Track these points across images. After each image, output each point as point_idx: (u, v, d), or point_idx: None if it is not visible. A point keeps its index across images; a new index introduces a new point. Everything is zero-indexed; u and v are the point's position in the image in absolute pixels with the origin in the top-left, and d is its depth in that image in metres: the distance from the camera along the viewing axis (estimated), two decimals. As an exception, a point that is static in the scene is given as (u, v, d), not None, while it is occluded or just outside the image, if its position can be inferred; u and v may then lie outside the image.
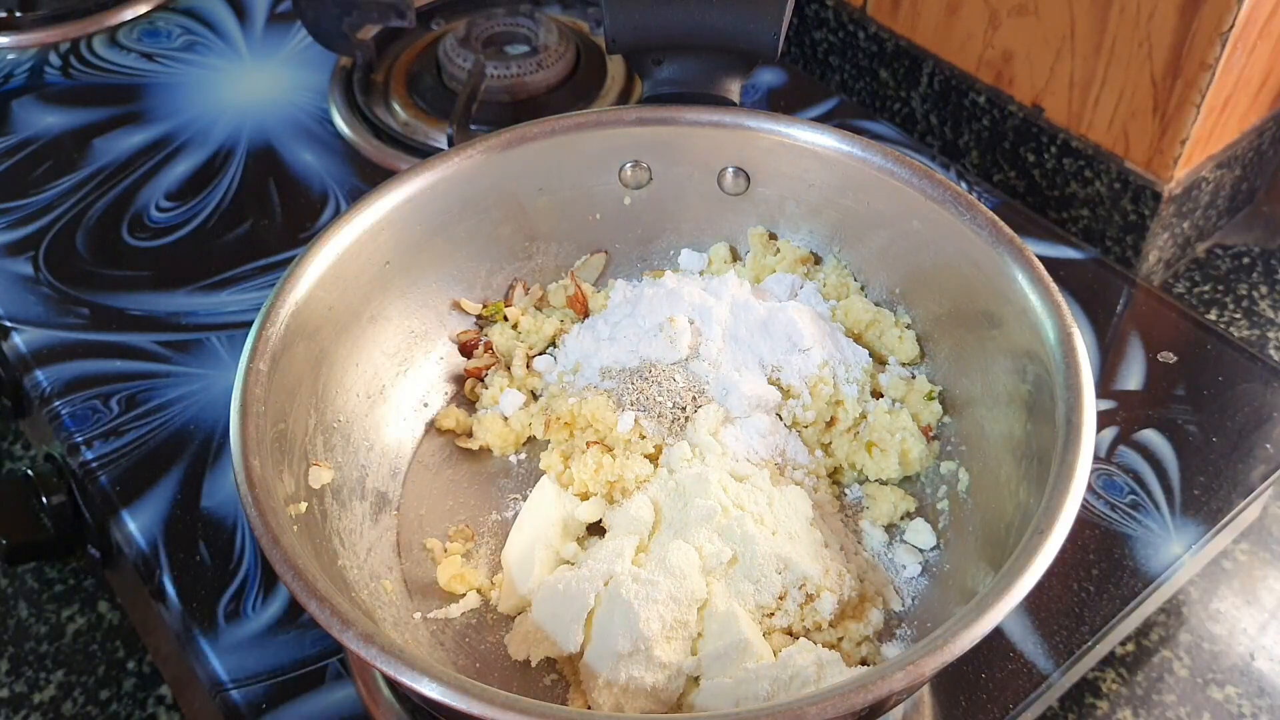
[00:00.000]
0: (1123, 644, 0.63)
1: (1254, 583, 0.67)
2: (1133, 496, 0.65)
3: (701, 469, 0.58)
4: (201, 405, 0.69)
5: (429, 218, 0.64)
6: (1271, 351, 0.82)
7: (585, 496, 0.60)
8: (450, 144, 0.80)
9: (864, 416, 0.62)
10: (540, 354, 0.68)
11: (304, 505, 0.53)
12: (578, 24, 0.97)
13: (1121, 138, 0.81)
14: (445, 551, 0.60)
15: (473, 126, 0.81)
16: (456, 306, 0.68)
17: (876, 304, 0.67)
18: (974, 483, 0.59)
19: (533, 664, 0.54)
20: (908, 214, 0.63)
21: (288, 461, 0.54)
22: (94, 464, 0.66)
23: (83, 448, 0.67)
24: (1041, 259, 0.57)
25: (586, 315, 0.69)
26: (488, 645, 0.56)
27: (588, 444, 0.61)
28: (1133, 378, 0.71)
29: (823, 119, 0.89)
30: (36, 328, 0.74)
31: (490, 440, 0.64)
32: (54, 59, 0.96)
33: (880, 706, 0.44)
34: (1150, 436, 0.68)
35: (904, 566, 0.59)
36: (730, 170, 0.68)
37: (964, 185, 0.83)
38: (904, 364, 0.65)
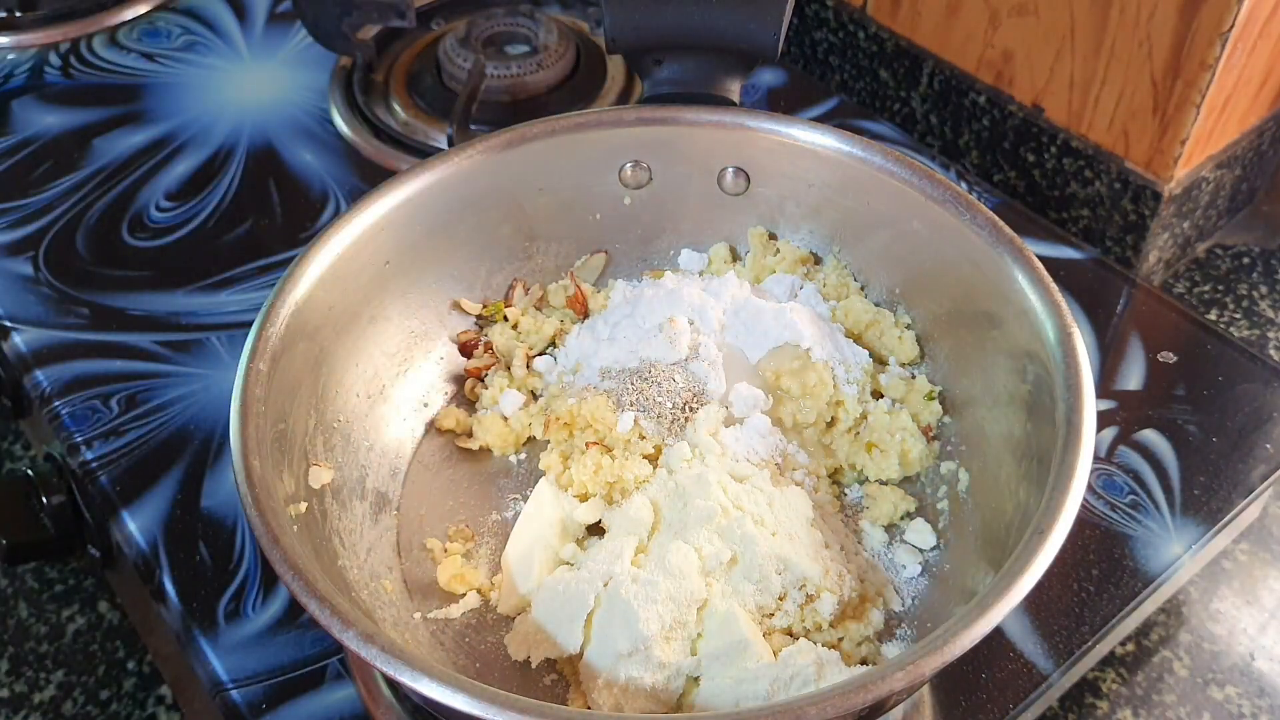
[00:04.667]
0: (1123, 644, 0.63)
1: (1254, 583, 0.67)
2: (1133, 496, 0.65)
3: (701, 469, 0.58)
4: (201, 405, 0.69)
5: (429, 218, 0.64)
6: (1271, 351, 0.82)
7: (584, 497, 0.60)
8: (450, 144, 0.80)
9: (864, 417, 0.62)
10: (540, 354, 0.68)
11: (304, 505, 0.53)
12: (578, 24, 0.97)
13: (1121, 138, 0.81)
14: (445, 551, 0.60)
15: (473, 126, 0.81)
16: (456, 306, 0.68)
17: (876, 304, 0.67)
18: (974, 483, 0.59)
19: (533, 664, 0.54)
20: (908, 214, 0.63)
21: (288, 461, 0.54)
22: (94, 464, 0.66)
23: (83, 448, 0.67)
24: (1041, 259, 0.57)
25: (586, 315, 0.69)
26: (488, 645, 0.56)
27: (587, 444, 0.61)
28: (1133, 378, 0.71)
29: (823, 119, 0.89)
30: (36, 328, 0.74)
31: (490, 440, 0.64)
32: (54, 59, 0.96)
33: (880, 706, 0.44)
34: (1150, 436, 0.68)
35: (904, 566, 0.59)
36: (730, 170, 0.68)
37: (964, 185, 0.83)
38: (904, 364, 0.65)
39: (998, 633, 0.58)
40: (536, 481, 0.62)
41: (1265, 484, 0.66)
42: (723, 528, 0.55)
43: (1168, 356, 0.72)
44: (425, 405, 0.66)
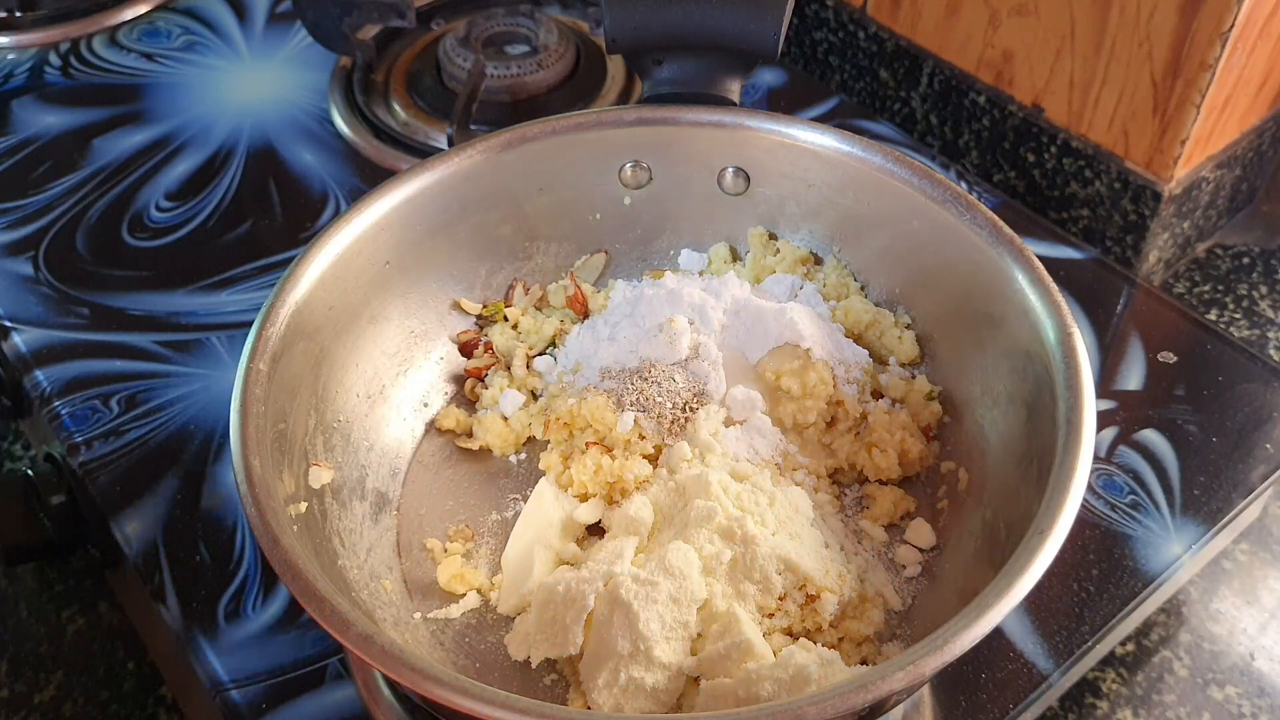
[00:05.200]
0: (1123, 644, 0.63)
1: (1254, 583, 0.67)
2: (1133, 496, 0.65)
3: (701, 469, 0.58)
4: (201, 405, 0.69)
5: (429, 218, 0.64)
6: (1271, 351, 0.82)
7: (584, 497, 0.60)
8: (450, 144, 0.80)
9: (864, 417, 0.62)
10: (540, 354, 0.68)
11: (304, 505, 0.53)
12: (578, 24, 0.97)
13: (1121, 138, 0.81)
14: (445, 551, 0.60)
15: (473, 126, 0.81)
16: (456, 306, 0.68)
17: (876, 304, 0.67)
18: (974, 483, 0.59)
19: (533, 664, 0.54)
20: (908, 214, 0.63)
21: (288, 461, 0.54)
22: (94, 464, 0.66)
23: (83, 448, 0.67)
24: (1041, 259, 0.57)
25: (586, 315, 0.69)
26: (488, 645, 0.56)
27: (587, 444, 0.61)
28: (1133, 378, 0.71)
29: (823, 119, 0.89)
30: (36, 328, 0.74)
31: (490, 440, 0.64)
32: (54, 59, 0.96)
33: (880, 706, 0.44)
34: (1150, 436, 0.68)
35: (904, 566, 0.59)
36: (730, 170, 0.68)
37: (964, 185, 0.83)
38: (904, 364, 0.65)
39: (998, 633, 0.58)
40: (536, 481, 0.62)
41: (1265, 484, 0.66)
42: (723, 528, 0.55)
43: (1168, 356, 0.72)
44: (425, 405, 0.66)
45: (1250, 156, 0.86)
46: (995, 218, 0.59)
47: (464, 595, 0.58)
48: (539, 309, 0.70)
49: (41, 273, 0.77)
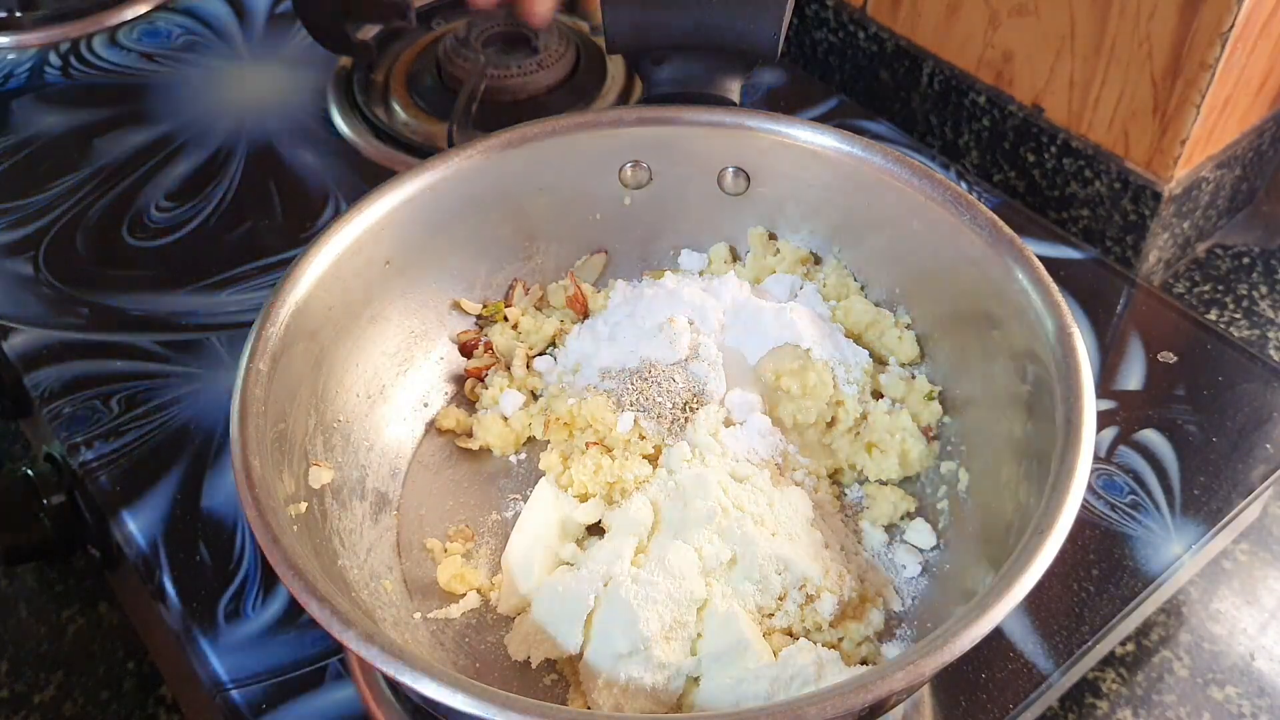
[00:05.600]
0: (1123, 644, 0.63)
1: (1254, 583, 0.67)
2: (1133, 496, 0.65)
3: (701, 470, 0.58)
4: (201, 405, 0.69)
5: (429, 218, 0.64)
6: (1271, 351, 0.82)
7: (584, 497, 0.60)
8: (450, 144, 0.80)
9: (864, 417, 0.62)
10: (540, 354, 0.68)
11: (304, 505, 0.53)
12: (578, 24, 0.97)
13: (1121, 138, 0.81)
14: (445, 551, 0.60)
15: (473, 126, 0.81)
16: (456, 306, 0.68)
17: (876, 304, 0.67)
18: (974, 483, 0.59)
19: (533, 664, 0.54)
20: (908, 214, 0.63)
21: (288, 461, 0.54)
22: (94, 464, 0.66)
23: (83, 448, 0.67)
24: (1041, 259, 0.57)
25: (586, 315, 0.69)
26: (488, 645, 0.56)
27: (587, 445, 0.61)
28: (1133, 378, 0.71)
29: (823, 119, 0.89)
30: (36, 328, 0.74)
31: (490, 440, 0.64)
32: (54, 59, 0.96)
33: (880, 706, 0.44)
34: (1150, 436, 0.68)
35: (904, 566, 0.59)
36: (730, 170, 0.68)
37: (964, 185, 0.83)
38: (904, 364, 0.65)
39: (998, 633, 0.58)
40: (536, 481, 0.62)
41: (1265, 484, 0.66)
42: (723, 528, 0.55)
43: (1168, 356, 0.72)
44: (425, 405, 0.66)
45: (1250, 156, 0.86)
46: (995, 218, 0.59)
47: (464, 595, 0.58)
48: (539, 309, 0.70)
49: (41, 273, 0.77)
